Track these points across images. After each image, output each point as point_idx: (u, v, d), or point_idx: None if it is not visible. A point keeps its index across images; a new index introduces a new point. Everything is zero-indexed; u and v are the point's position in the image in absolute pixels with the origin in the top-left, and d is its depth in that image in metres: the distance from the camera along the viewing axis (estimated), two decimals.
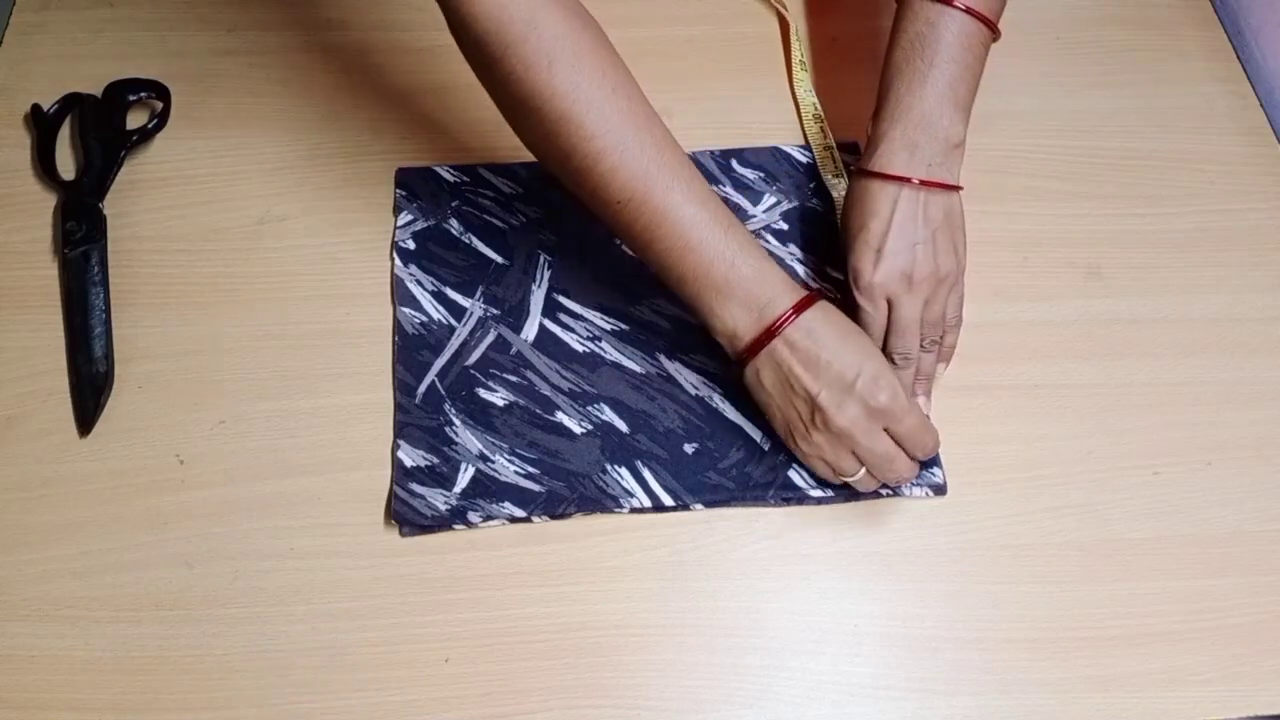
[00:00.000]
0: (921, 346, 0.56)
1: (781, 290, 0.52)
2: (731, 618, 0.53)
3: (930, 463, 0.56)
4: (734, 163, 0.67)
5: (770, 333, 0.51)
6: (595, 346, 0.60)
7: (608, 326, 0.61)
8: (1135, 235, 0.65)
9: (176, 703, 0.51)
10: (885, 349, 0.56)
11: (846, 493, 0.56)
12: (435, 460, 0.56)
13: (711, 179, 0.66)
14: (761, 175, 0.66)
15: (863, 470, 0.53)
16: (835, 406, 0.51)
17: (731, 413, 0.58)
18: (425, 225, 0.64)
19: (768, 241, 0.64)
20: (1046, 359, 0.61)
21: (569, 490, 0.56)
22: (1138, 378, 0.60)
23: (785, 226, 0.64)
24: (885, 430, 0.52)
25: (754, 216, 0.65)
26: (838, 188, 0.65)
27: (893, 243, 0.55)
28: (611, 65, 0.51)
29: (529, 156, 0.66)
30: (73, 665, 0.52)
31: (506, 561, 0.54)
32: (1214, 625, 0.53)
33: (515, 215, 0.64)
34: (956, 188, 0.56)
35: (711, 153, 0.67)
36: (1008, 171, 0.67)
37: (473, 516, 0.55)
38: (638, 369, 0.59)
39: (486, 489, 0.56)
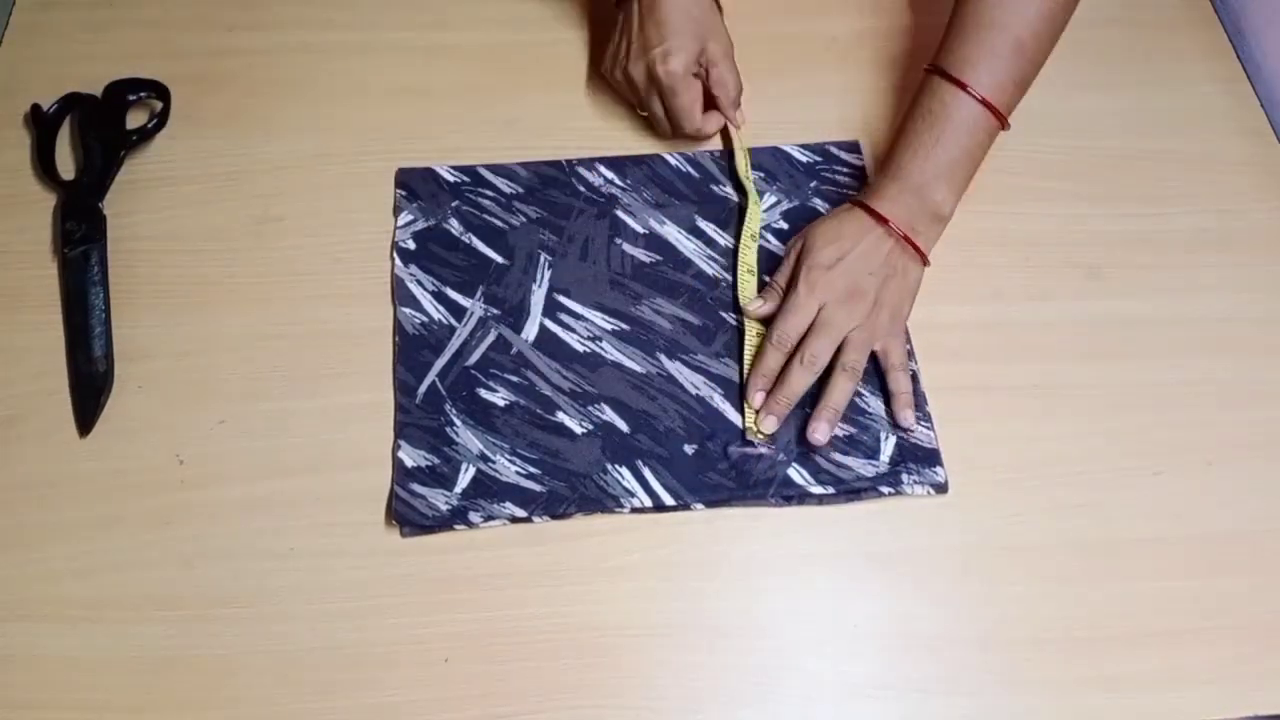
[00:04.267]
0: (841, 368, 0.56)
1: None
2: (731, 618, 0.53)
3: (931, 461, 0.56)
4: None
5: None
6: (596, 346, 0.60)
7: (608, 326, 0.61)
8: (1135, 235, 0.65)
9: (176, 703, 0.51)
10: (799, 348, 0.57)
11: (847, 492, 0.56)
12: (436, 460, 0.56)
13: (711, 179, 0.66)
14: (761, 175, 0.66)
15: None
16: (632, 57, 0.64)
17: (731, 413, 0.58)
18: (425, 225, 0.64)
19: (768, 241, 0.64)
20: (1046, 359, 0.60)
21: (570, 490, 0.56)
22: (1138, 378, 0.60)
23: (785, 226, 0.64)
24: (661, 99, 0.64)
25: None
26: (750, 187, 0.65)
27: (852, 261, 0.58)
28: None
29: (529, 156, 0.67)
30: (73, 665, 0.52)
31: (506, 561, 0.54)
32: (1214, 625, 0.53)
33: (515, 215, 0.64)
34: (925, 259, 0.59)
35: (712, 153, 0.67)
36: (1008, 171, 0.67)
37: (473, 516, 0.55)
38: (638, 369, 0.59)
39: (487, 489, 0.56)
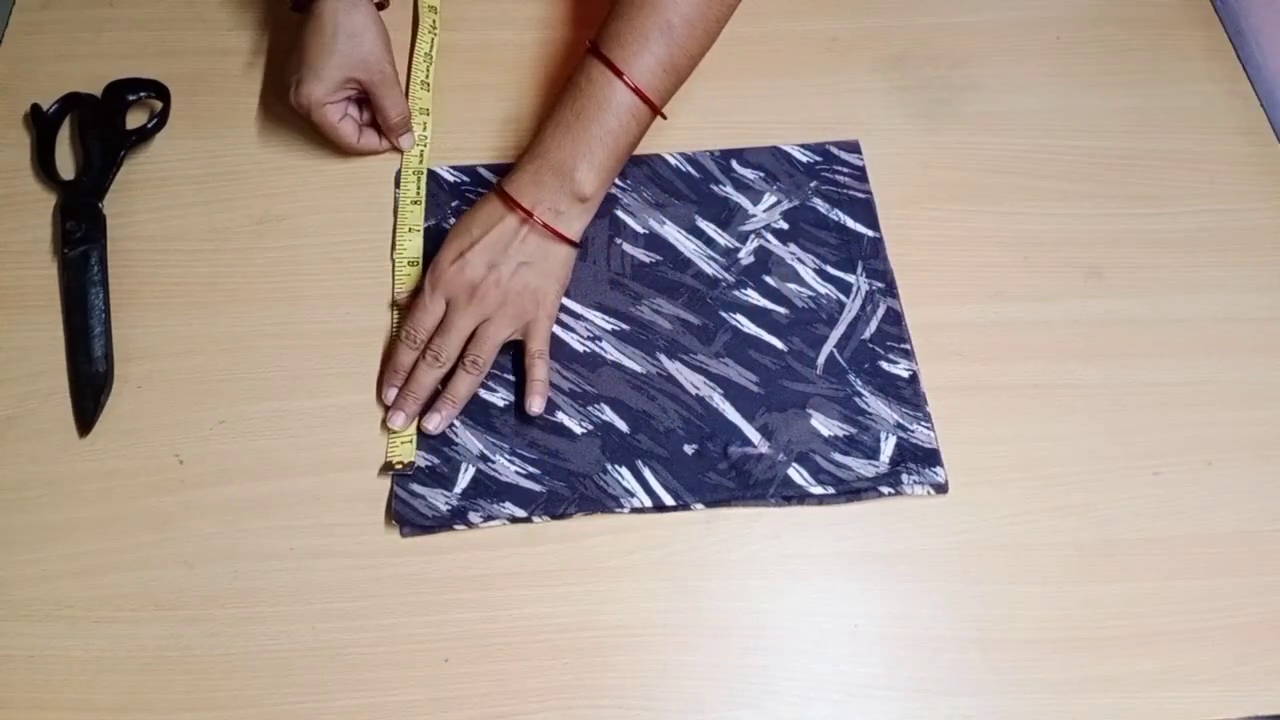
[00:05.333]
0: (462, 364, 0.57)
1: None
2: (731, 618, 0.53)
3: (931, 461, 0.56)
4: (734, 163, 0.67)
5: None
6: (595, 346, 0.60)
7: (608, 326, 0.61)
8: (1135, 235, 0.65)
9: (176, 703, 0.51)
10: (429, 345, 0.57)
11: (847, 492, 0.56)
12: (436, 460, 0.56)
13: (711, 179, 0.66)
14: (761, 175, 0.66)
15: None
16: (293, 85, 0.63)
17: (731, 413, 0.58)
18: (426, 225, 0.64)
19: (768, 241, 0.64)
20: (1046, 359, 0.60)
21: (570, 490, 0.56)
22: (1138, 378, 0.60)
23: (785, 226, 0.64)
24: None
25: (754, 216, 0.65)
26: (409, 215, 0.64)
27: (476, 254, 0.57)
28: None
29: None
30: (73, 665, 0.52)
31: (506, 561, 0.54)
32: (1214, 625, 0.53)
33: None
34: (566, 239, 0.58)
35: (711, 153, 0.67)
36: (1008, 171, 0.67)
37: (473, 516, 0.55)
38: (638, 369, 0.59)
39: (487, 489, 0.56)
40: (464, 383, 0.57)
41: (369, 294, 0.62)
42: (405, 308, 0.60)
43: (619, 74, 0.56)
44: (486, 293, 0.56)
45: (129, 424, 0.58)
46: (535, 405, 0.57)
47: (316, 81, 0.61)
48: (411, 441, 0.57)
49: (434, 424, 0.56)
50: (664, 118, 0.59)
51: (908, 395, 0.59)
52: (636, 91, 0.56)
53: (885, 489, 0.56)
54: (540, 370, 0.57)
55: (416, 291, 0.59)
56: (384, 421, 0.57)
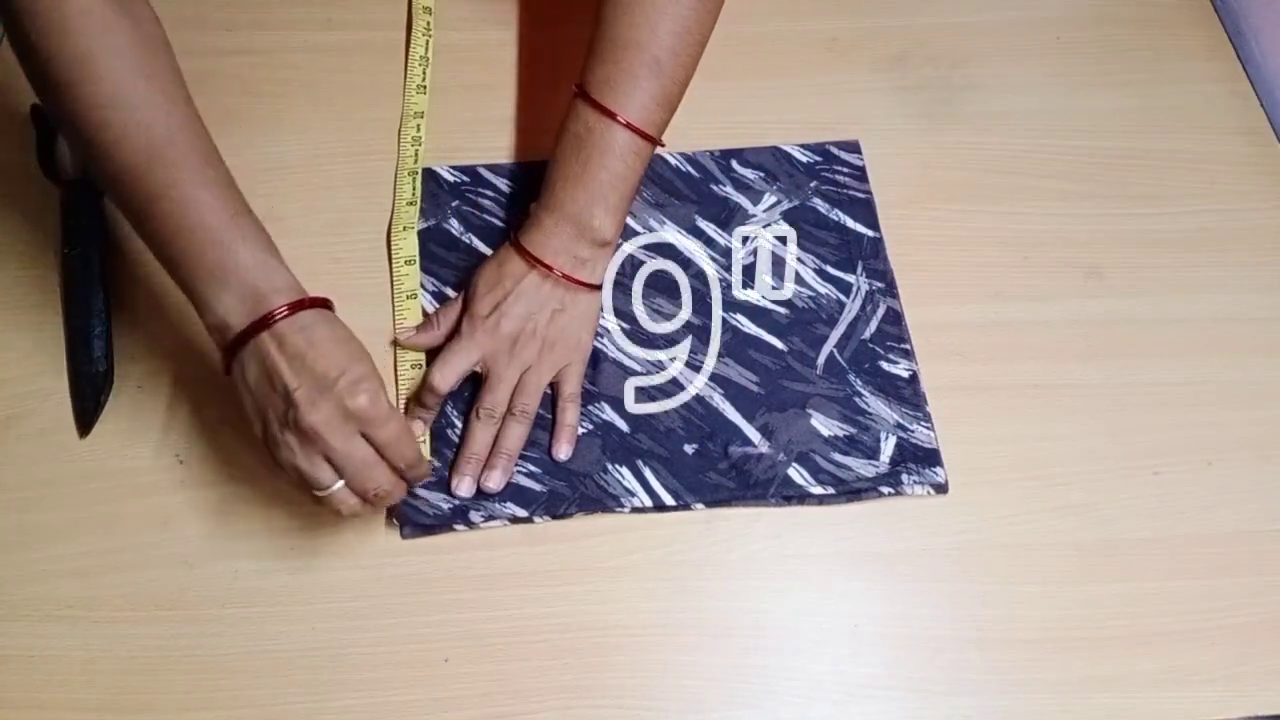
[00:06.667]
0: (511, 415, 0.56)
1: (284, 286, 0.49)
2: (731, 618, 0.53)
3: (931, 461, 0.56)
4: (734, 163, 0.67)
5: (262, 323, 0.47)
6: (596, 345, 0.60)
7: (608, 325, 0.61)
8: (1135, 235, 0.65)
9: (176, 703, 0.51)
10: (475, 404, 0.56)
11: (847, 493, 0.56)
12: (438, 463, 0.56)
13: (711, 179, 0.66)
14: (761, 175, 0.66)
15: (339, 483, 0.48)
16: (309, 403, 0.46)
17: (732, 413, 0.58)
18: (425, 225, 0.64)
19: (768, 241, 0.64)
20: (1046, 359, 0.60)
21: (570, 490, 0.56)
22: (1138, 378, 0.60)
23: (785, 226, 0.64)
24: (365, 437, 0.48)
25: (754, 216, 0.65)
26: (404, 217, 0.64)
27: (511, 306, 0.57)
28: (141, 44, 0.49)
29: (529, 157, 0.67)
30: (73, 665, 0.52)
31: (506, 561, 0.54)
32: (1214, 625, 0.53)
33: (515, 215, 0.64)
34: (592, 286, 0.58)
35: (711, 153, 0.67)
36: (1008, 171, 0.67)
37: (474, 516, 0.55)
38: (638, 368, 0.59)
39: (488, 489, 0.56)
40: (514, 434, 0.56)
41: (369, 294, 0.62)
42: (413, 347, 0.59)
43: (616, 119, 0.56)
44: (526, 343, 0.57)
45: (129, 424, 0.58)
46: (563, 452, 0.57)
47: (372, 377, 0.48)
48: (426, 443, 0.57)
49: (495, 481, 0.55)
50: (662, 145, 0.58)
51: (908, 395, 0.59)
52: (635, 130, 0.56)
53: (885, 489, 0.56)
54: (572, 415, 0.57)
55: (423, 326, 0.59)
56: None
